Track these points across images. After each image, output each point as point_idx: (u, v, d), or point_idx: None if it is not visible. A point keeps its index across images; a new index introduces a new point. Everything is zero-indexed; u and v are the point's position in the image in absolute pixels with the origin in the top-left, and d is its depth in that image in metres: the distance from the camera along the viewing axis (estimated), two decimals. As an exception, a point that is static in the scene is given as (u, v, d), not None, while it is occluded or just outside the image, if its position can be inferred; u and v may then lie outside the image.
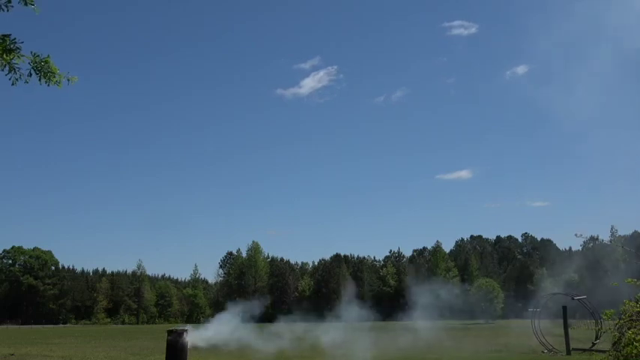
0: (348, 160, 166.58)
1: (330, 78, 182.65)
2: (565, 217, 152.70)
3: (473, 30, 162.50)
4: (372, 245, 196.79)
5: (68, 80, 6.17)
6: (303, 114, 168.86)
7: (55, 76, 6.04)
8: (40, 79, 6.03)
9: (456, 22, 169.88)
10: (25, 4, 5.84)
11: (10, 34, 5.77)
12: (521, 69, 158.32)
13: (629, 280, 11.18)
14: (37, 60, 5.98)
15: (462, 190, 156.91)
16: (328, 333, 30.58)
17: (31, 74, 5.99)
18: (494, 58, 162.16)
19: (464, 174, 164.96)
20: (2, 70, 5.91)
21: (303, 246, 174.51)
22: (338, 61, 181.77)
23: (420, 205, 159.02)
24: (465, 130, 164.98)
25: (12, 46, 5.78)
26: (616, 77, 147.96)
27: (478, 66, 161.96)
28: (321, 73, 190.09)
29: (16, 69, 5.94)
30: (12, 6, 5.81)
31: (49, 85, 6.04)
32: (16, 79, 5.98)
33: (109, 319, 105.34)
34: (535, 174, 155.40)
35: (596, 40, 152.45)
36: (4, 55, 5.78)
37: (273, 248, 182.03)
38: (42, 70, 5.99)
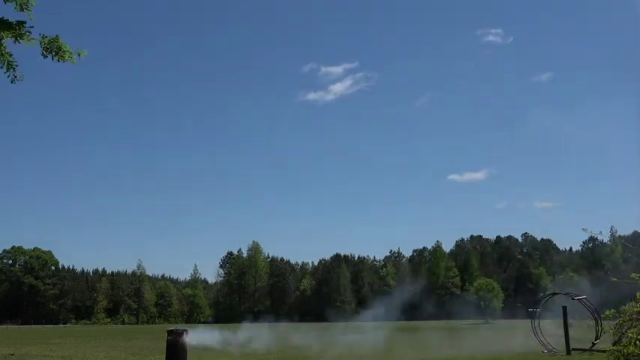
0: (349, 160, 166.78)
1: (357, 81, 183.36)
2: (565, 218, 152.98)
3: (508, 39, 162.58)
4: (372, 245, 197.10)
5: (78, 54, 6.23)
6: (310, 115, 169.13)
7: (65, 54, 6.11)
8: (52, 58, 6.10)
9: (490, 30, 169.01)
10: (21, 9, 5.88)
11: (25, 22, 5.85)
12: (545, 77, 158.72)
13: (634, 274, 11.16)
14: (46, 41, 6.03)
15: (466, 191, 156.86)
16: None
17: (45, 55, 6.06)
18: (521, 65, 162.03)
19: (473, 175, 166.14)
20: (1, 67, 5.94)
21: (303, 246, 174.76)
22: (369, 65, 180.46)
23: (421, 206, 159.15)
24: (475, 132, 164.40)
25: (23, 30, 5.85)
26: (618, 79, 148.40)
27: (503, 72, 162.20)
28: (349, 76, 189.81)
29: (15, 66, 5.97)
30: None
31: (61, 61, 6.11)
32: (15, 77, 6.01)
33: (109, 319, 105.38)
34: (539, 175, 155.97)
35: (605, 47, 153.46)
36: (17, 40, 5.85)
37: (274, 248, 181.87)
38: (53, 49, 6.05)
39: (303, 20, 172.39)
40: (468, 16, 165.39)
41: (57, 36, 6.07)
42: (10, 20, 5.82)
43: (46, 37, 6.04)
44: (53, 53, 6.09)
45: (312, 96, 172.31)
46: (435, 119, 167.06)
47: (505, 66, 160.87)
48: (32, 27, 5.91)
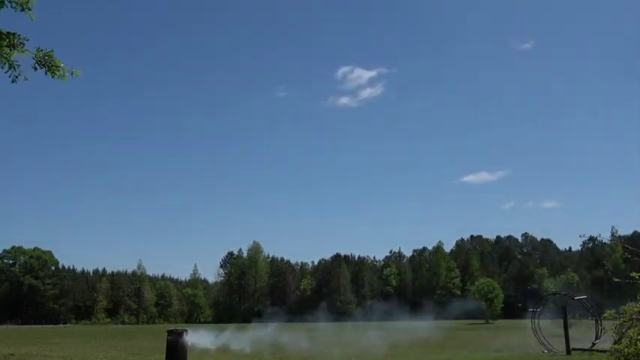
0: (349, 160, 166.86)
1: (363, 81, 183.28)
2: (565, 218, 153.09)
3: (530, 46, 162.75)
4: (372, 245, 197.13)
5: (72, 73, 6.21)
6: (310, 115, 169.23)
7: (59, 70, 6.09)
8: (45, 73, 6.08)
9: (509, 37, 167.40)
10: (23, 9, 5.89)
11: (16, 33, 5.85)
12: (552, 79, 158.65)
13: (635, 273, 11.15)
14: (40, 54, 6.02)
15: (470, 191, 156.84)
16: None
17: (36, 68, 6.05)
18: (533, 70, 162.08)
19: (474, 177, 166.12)
20: (2, 67, 5.94)
21: (303, 246, 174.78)
22: (380, 66, 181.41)
23: (421, 205, 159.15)
24: (487, 134, 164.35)
25: (16, 41, 5.84)
26: (620, 81, 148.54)
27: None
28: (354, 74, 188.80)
29: (16, 66, 5.97)
30: (7, 5, 5.86)
31: (53, 77, 6.10)
32: (16, 77, 6.01)
33: (109, 319, 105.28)
34: (540, 176, 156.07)
35: (606, 49, 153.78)
36: (9, 50, 5.84)
37: (274, 248, 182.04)
38: (46, 64, 6.04)
39: (304, 21, 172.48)
40: (494, 21, 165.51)
41: (51, 51, 6.06)
42: (2, 30, 5.81)
43: (41, 50, 6.03)
44: (46, 68, 6.07)
45: (313, 97, 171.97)
46: (445, 120, 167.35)
47: (521, 71, 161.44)
48: (28, 39, 5.93)
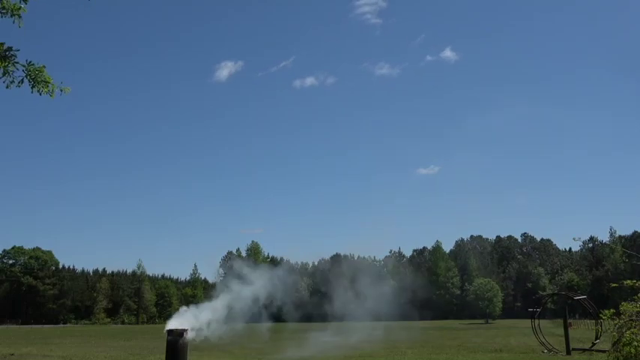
0: (349, 160, 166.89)
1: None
2: (565, 218, 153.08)
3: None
4: (372, 245, 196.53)
5: (61, 90, 6.15)
6: (311, 116, 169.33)
7: (47, 86, 6.04)
8: (32, 88, 6.01)
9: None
10: (12, 15, 5.86)
11: (4, 43, 5.81)
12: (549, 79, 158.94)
13: (628, 281, 11.20)
14: (30, 68, 5.98)
15: (470, 188, 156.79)
16: None
17: (23, 81, 6.00)
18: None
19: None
20: None
21: (303, 246, 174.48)
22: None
23: (422, 204, 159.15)
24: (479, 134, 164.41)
25: (7, 53, 5.81)
26: (617, 78, 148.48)
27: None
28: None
29: (11, 73, 5.96)
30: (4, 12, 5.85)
31: (40, 94, 6.03)
32: (11, 82, 6.00)
33: (108, 319, 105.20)
34: (538, 176, 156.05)
35: (606, 49, 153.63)
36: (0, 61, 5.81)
37: (274, 248, 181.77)
38: (35, 78, 6.00)
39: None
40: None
41: (43, 66, 5.99)
42: None
43: (33, 64, 5.98)
44: (34, 82, 5.98)
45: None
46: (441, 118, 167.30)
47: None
48: (18, 50, 5.86)
